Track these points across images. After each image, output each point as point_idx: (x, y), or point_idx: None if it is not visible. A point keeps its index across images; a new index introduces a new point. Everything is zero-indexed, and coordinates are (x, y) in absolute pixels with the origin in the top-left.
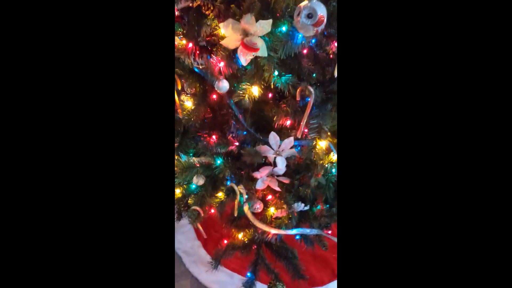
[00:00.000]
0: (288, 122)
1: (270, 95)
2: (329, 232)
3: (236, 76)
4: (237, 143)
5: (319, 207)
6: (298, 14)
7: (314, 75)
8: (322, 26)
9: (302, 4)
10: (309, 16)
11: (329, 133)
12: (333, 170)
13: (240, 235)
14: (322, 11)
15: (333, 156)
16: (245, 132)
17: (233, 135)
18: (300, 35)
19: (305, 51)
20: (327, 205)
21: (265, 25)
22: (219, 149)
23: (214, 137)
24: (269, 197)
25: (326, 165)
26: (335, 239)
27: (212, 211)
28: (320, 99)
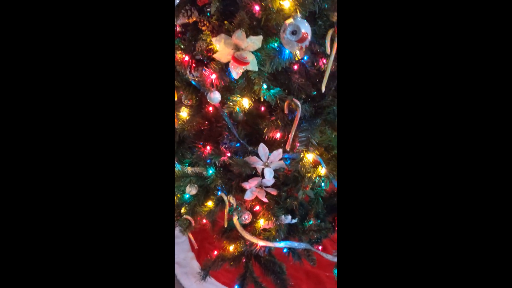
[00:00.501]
0: (278, 135)
1: (262, 108)
2: (320, 248)
3: (229, 89)
4: (229, 154)
5: (311, 222)
6: (284, 31)
7: (312, 91)
8: (306, 42)
9: (287, 21)
10: (293, 33)
11: (322, 148)
12: (322, 184)
13: (231, 247)
14: (305, 29)
15: (321, 170)
16: (238, 144)
17: (226, 146)
18: (287, 51)
19: (295, 67)
20: (318, 220)
21: (255, 41)
22: (212, 160)
23: (208, 147)
24: (257, 208)
25: (315, 179)
26: (326, 256)
27: (204, 221)
28: (310, 113)
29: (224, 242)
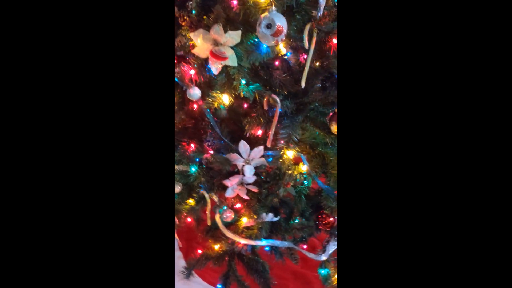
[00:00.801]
0: (260, 132)
1: (245, 105)
2: (305, 247)
3: (210, 85)
4: (211, 152)
5: (297, 220)
6: (259, 25)
7: (295, 87)
8: (282, 36)
9: (263, 15)
10: (268, 26)
11: (307, 145)
12: (305, 182)
13: (217, 246)
14: (280, 22)
15: (303, 167)
16: (222, 142)
17: (209, 144)
18: (265, 46)
19: (277, 63)
20: (303, 219)
21: (234, 36)
22: (195, 157)
23: (192, 145)
24: (238, 205)
25: (296, 176)
26: (309, 255)
27: (189, 219)
28: (291, 110)
29: (209, 240)
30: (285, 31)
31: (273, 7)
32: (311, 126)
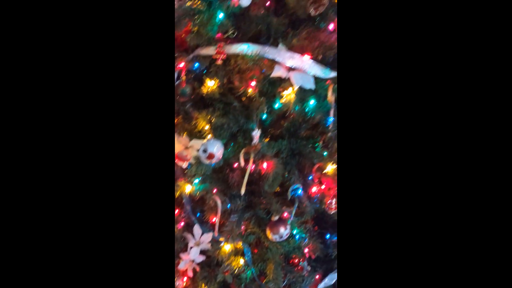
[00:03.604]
0: (215, 219)
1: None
2: None
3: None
4: (182, 223)
5: None
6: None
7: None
8: (215, 159)
9: (204, 140)
10: (204, 151)
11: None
12: (248, 273)
13: None
14: (214, 150)
15: (241, 261)
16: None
17: (184, 216)
18: None
19: (235, 165)
20: None
21: (198, 143)
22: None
23: None
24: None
25: (233, 267)
26: None
27: None
28: (237, 208)
29: None
30: (218, 156)
31: (210, 136)
32: (255, 225)
